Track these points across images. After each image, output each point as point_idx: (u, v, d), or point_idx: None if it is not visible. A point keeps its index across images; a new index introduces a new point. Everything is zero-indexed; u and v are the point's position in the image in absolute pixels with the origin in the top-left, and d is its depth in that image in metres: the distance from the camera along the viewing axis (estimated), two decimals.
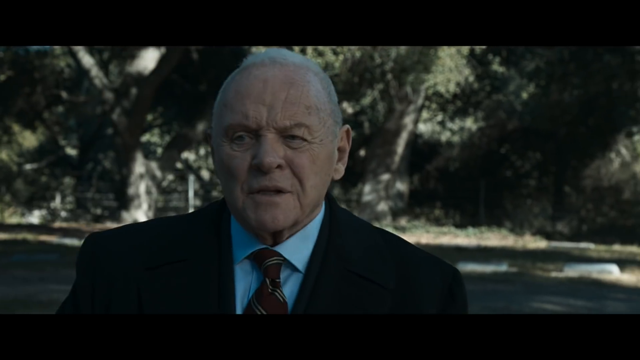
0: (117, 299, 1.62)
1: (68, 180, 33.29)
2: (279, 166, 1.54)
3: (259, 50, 19.83)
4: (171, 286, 1.60)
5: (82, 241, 1.73)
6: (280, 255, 1.60)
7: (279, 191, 1.55)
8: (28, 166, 33.66)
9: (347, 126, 1.67)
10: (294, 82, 1.57)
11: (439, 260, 1.73)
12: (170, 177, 30.62)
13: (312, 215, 1.63)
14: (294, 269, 1.61)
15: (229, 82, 1.61)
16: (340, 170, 1.66)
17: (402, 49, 19.44)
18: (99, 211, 29.55)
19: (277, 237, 1.61)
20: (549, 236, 23.39)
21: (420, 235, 21.77)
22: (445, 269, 1.70)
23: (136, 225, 1.73)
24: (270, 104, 1.54)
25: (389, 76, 20.72)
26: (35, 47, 27.17)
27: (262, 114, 1.54)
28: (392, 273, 1.64)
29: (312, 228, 1.64)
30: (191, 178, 29.87)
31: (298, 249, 1.62)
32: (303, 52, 19.42)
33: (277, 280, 1.59)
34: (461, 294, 1.69)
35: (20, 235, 19.50)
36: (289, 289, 1.60)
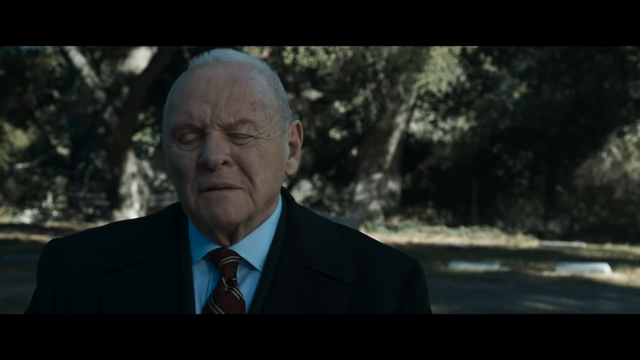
0: (77, 302, 1.62)
1: (60, 180, 33.22)
2: (226, 163, 1.54)
3: (251, 51, 19.83)
4: (130, 288, 1.60)
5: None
6: (236, 254, 1.60)
7: (228, 187, 1.55)
8: (20, 165, 33.58)
9: (297, 121, 1.67)
10: (237, 79, 1.57)
11: (399, 253, 1.72)
12: (162, 176, 30.58)
13: (267, 213, 1.63)
14: (250, 267, 1.61)
15: (175, 84, 1.61)
16: (293, 165, 1.66)
17: (394, 48, 19.45)
18: (90, 211, 29.51)
19: (233, 237, 1.61)
20: (540, 235, 23.45)
21: (413, 234, 21.80)
22: (404, 262, 1.69)
23: (97, 229, 1.73)
24: (214, 101, 1.54)
25: (381, 75, 20.72)
26: (26, 47, 27.11)
27: (206, 112, 1.54)
28: (351, 268, 1.64)
29: (269, 225, 1.64)
30: None
31: (254, 247, 1.62)
32: (295, 51, 19.42)
33: (234, 279, 1.59)
34: (421, 286, 1.68)
35: (11, 235, 19.47)
36: (247, 287, 1.60)
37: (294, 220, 1.67)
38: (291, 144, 1.66)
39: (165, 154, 1.62)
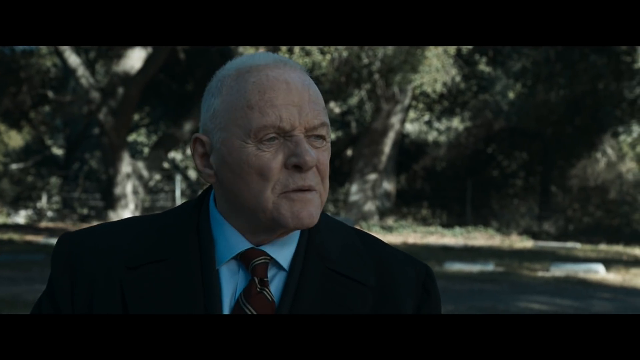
0: (99, 299, 1.62)
1: (54, 180, 33.16)
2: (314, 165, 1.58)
3: (246, 51, 19.78)
4: (155, 286, 1.60)
5: (56, 240, 1.72)
6: (267, 255, 1.62)
7: (311, 190, 1.59)
8: (14, 166, 33.52)
9: None
10: (310, 83, 1.62)
11: (412, 258, 1.76)
12: (157, 176, 30.55)
13: None
14: (279, 267, 1.63)
15: (240, 82, 1.60)
16: None
17: (389, 48, 19.46)
18: (85, 211, 29.45)
19: (270, 238, 1.63)
20: (535, 236, 23.47)
21: (407, 235, 21.81)
22: (418, 267, 1.73)
23: (110, 224, 1.73)
24: (299, 104, 1.58)
25: (376, 76, 20.73)
26: (21, 47, 27.07)
27: (295, 115, 1.57)
28: (372, 271, 1.67)
29: None
30: (178, 178, 29.83)
31: (283, 248, 1.64)
32: (290, 51, 19.41)
33: (265, 279, 1.61)
34: (435, 290, 1.74)
35: (6, 235, 19.43)
36: (275, 287, 1.62)
37: (316, 224, 1.68)
38: None
39: (225, 152, 1.61)
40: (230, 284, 1.62)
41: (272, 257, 1.62)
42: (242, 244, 1.62)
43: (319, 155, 1.60)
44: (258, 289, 1.60)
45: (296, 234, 1.66)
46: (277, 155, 1.57)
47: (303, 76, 1.62)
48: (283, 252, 1.64)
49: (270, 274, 1.62)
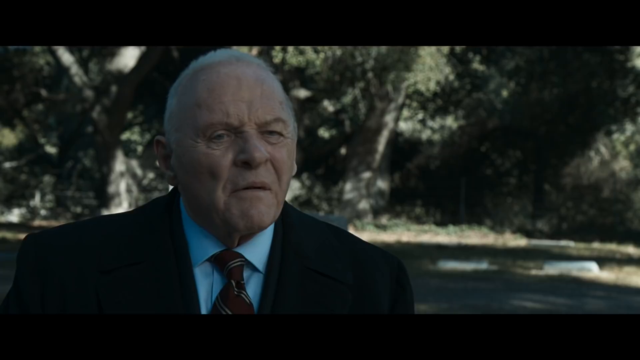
0: (73, 304, 1.56)
1: (48, 179, 33.09)
2: (265, 161, 1.53)
3: (239, 49, 19.75)
4: (132, 290, 1.56)
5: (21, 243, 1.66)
6: (242, 257, 1.59)
7: (263, 188, 1.53)
8: (7, 164, 33.44)
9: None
10: (265, 78, 1.57)
11: (383, 252, 1.74)
12: (151, 175, 30.52)
13: None
14: (253, 268, 1.60)
15: (193, 82, 1.57)
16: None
17: (383, 47, 19.46)
18: (79, 209, 29.40)
19: (242, 238, 1.59)
20: (529, 234, 23.50)
21: (401, 233, 21.82)
22: (390, 261, 1.72)
23: (80, 223, 1.67)
24: (249, 99, 1.53)
25: (370, 74, 20.73)
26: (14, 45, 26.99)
27: (243, 110, 1.52)
28: (348, 268, 1.65)
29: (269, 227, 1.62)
30: None
31: (257, 249, 1.60)
32: (284, 50, 19.40)
33: (242, 282, 1.58)
34: (408, 283, 1.72)
35: None
36: (252, 289, 1.59)
37: (290, 221, 1.66)
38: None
39: (180, 153, 1.57)
40: (205, 286, 1.59)
41: (246, 259, 1.59)
42: (215, 246, 1.59)
43: (274, 151, 1.55)
44: (236, 292, 1.57)
45: (269, 233, 1.62)
46: (226, 153, 1.53)
47: (259, 71, 1.58)
48: (256, 253, 1.60)
49: (245, 275, 1.59)
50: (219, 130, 1.52)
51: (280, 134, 1.56)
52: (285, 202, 1.67)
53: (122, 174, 23.14)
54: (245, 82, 1.54)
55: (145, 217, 1.65)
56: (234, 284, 1.57)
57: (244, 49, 19.75)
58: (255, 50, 20.45)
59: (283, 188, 1.57)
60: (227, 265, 1.58)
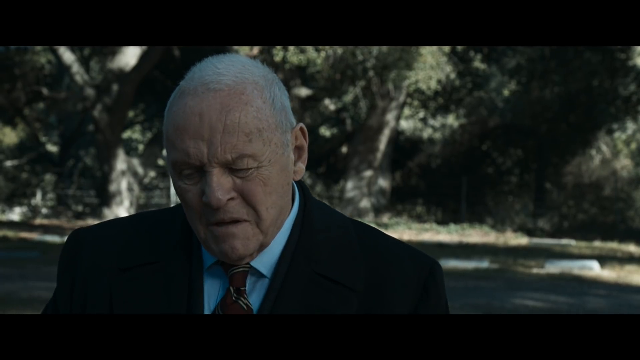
0: (91, 299, 1.60)
1: (49, 177, 33.11)
2: (231, 198, 1.50)
3: (240, 48, 19.72)
4: (142, 289, 1.58)
5: (66, 237, 1.72)
6: (246, 263, 1.57)
7: (235, 221, 1.51)
8: (8, 163, 33.45)
9: (301, 124, 1.60)
10: (230, 109, 1.49)
11: (417, 253, 1.67)
12: (152, 173, 30.52)
13: (279, 222, 1.58)
14: (261, 274, 1.58)
15: (168, 110, 1.55)
16: (300, 170, 1.60)
17: (384, 46, 19.46)
18: (80, 208, 29.41)
19: None
20: (530, 233, 23.48)
21: (402, 231, 21.81)
22: (421, 264, 1.65)
23: (119, 220, 1.71)
24: (209, 138, 1.48)
25: (371, 73, 20.73)
26: None
27: (203, 151, 1.48)
28: (362, 273, 1.59)
29: (282, 230, 1.60)
30: None
31: (265, 255, 1.58)
32: (285, 49, 19.40)
33: (242, 288, 1.56)
34: (436, 289, 1.63)
35: (0, 233, 19.39)
36: (257, 295, 1.58)
37: (310, 222, 1.62)
38: (297, 148, 1.60)
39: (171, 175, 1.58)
40: (213, 290, 1.59)
41: (251, 266, 1.57)
42: None
43: (243, 185, 1.50)
44: (233, 299, 1.56)
45: (281, 238, 1.59)
46: (196, 190, 1.51)
47: (227, 100, 1.49)
48: (264, 259, 1.58)
49: (251, 281, 1.58)
50: (184, 168, 1.51)
51: (249, 168, 1.50)
52: (311, 198, 1.65)
53: (123, 173, 23.15)
54: (207, 119, 1.48)
55: (170, 216, 1.67)
56: (232, 290, 1.56)
57: (244, 48, 19.75)
58: (256, 49, 20.46)
59: (264, 215, 1.52)
60: (229, 271, 1.57)
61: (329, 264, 1.59)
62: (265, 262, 1.58)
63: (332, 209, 1.70)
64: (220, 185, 1.49)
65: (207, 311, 1.57)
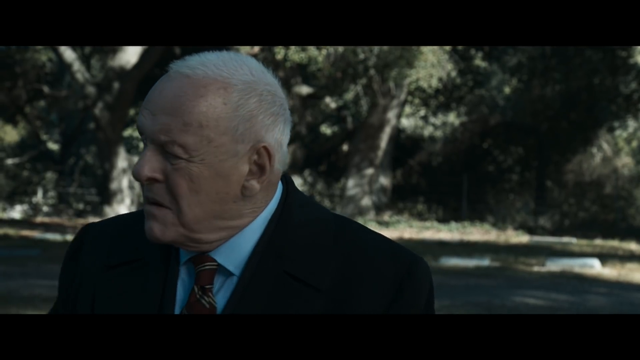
0: (80, 297, 1.61)
1: (50, 175, 33.13)
2: (156, 180, 1.50)
3: (242, 48, 19.73)
4: (121, 288, 1.57)
5: (67, 235, 1.73)
6: (214, 260, 1.54)
7: (157, 204, 1.51)
8: (9, 161, 33.47)
9: (265, 143, 1.51)
10: (182, 95, 1.47)
11: (400, 250, 1.59)
12: None
13: (253, 215, 1.55)
14: (229, 273, 1.54)
15: None
16: (252, 187, 1.52)
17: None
18: (81, 206, 29.43)
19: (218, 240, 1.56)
20: (531, 231, 23.48)
21: (403, 230, 21.82)
22: (400, 261, 1.57)
23: (124, 216, 1.70)
24: (155, 114, 1.48)
25: (372, 71, 20.73)
26: None
27: (145, 123, 1.49)
28: (331, 272, 1.53)
29: (255, 226, 1.55)
30: None
31: (234, 252, 1.54)
32: (286, 47, 19.40)
33: (208, 286, 1.53)
34: (412, 289, 1.56)
35: (1, 230, 19.40)
36: (223, 294, 1.55)
37: (287, 218, 1.57)
38: (258, 165, 1.52)
39: None
40: (186, 287, 1.57)
41: (219, 264, 1.54)
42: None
43: (169, 173, 1.49)
44: (197, 297, 1.53)
45: (252, 235, 1.55)
46: None
47: (186, 88, 1.48)
48: (233, 257, 1.54)
49: (220, 279, 1.54)
50: (142, 138, 1.52)
51: (179, 157, 1.47)
52: (293, 193, 1.61)
53: (124, 171, 23.15)
54: (162, 94, 1.49)
55: None
56: (196, 288, 1.54)
57: (245, 49, 19.76)
58: (257, 47, 20.47)
59: (184, 210, 1.49)
60: (197, 269, 1.55)
61: (299, 261, 1.54)
62: (233, 259, 1.54)
63: (317, 204, 1.65)
64: (149, 161, 1.49)
65: (177, 310, 1.55)
